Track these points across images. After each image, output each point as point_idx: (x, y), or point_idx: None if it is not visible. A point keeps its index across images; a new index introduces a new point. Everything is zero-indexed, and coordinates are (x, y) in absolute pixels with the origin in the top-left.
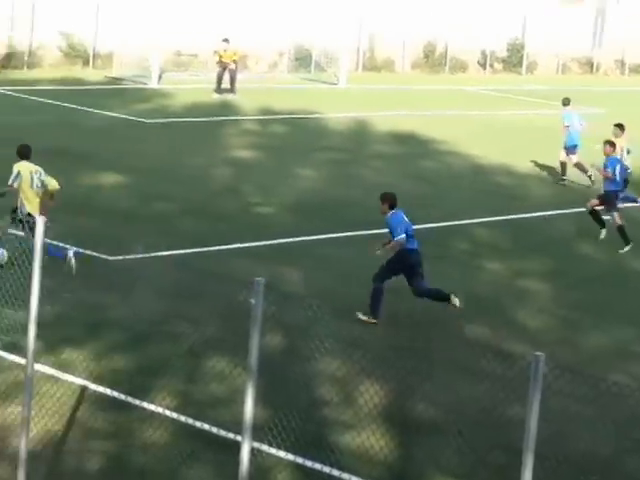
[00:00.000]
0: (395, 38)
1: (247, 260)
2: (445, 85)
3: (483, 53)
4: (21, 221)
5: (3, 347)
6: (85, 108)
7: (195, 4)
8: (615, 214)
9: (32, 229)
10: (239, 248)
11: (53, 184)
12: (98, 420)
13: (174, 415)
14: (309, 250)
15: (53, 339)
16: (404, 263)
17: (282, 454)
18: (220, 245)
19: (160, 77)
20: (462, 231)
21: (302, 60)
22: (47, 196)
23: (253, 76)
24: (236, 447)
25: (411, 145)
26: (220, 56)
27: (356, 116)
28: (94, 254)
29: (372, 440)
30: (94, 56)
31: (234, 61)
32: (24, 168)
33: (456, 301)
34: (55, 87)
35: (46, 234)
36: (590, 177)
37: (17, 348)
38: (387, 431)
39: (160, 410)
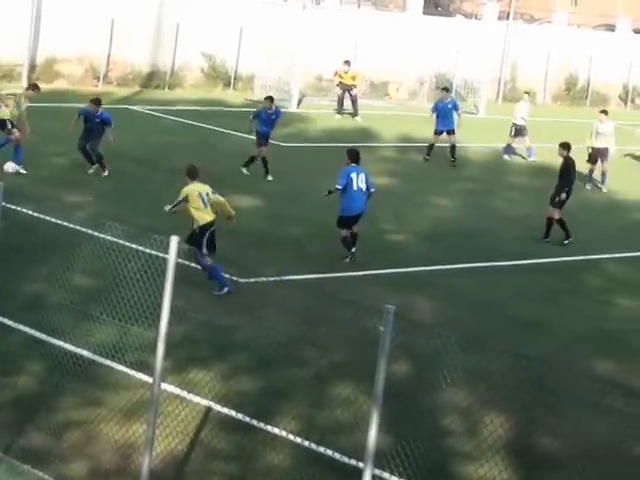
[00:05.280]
0: (537, 70)
1: (376, 287)
2: (586, 119)
3: (625, 88)
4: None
5: (130, 365)
6: (223, 130)
7: (337, 31)
8: (264, 149)
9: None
10: (369, 275)
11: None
12: (221, 441)
13: (297, 439)
14: (438, 279)
15: (180, 359)
16: None
17: None
18: (350, 271)
19: (300, 101)
20: (594, 266)
21: None
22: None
23: (393, 103)
24: (358, 474)
25: (547, 177)
26: (340, 77)
27: (494, 147)
28: (225, 275)
29: (494, 472)
30: (235, 78)
31: (354, 85)
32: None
33: None
34: (195, 108)
35: None
36: None
37: (144, 367)
38: (510, 464)
39: (284, 434)
